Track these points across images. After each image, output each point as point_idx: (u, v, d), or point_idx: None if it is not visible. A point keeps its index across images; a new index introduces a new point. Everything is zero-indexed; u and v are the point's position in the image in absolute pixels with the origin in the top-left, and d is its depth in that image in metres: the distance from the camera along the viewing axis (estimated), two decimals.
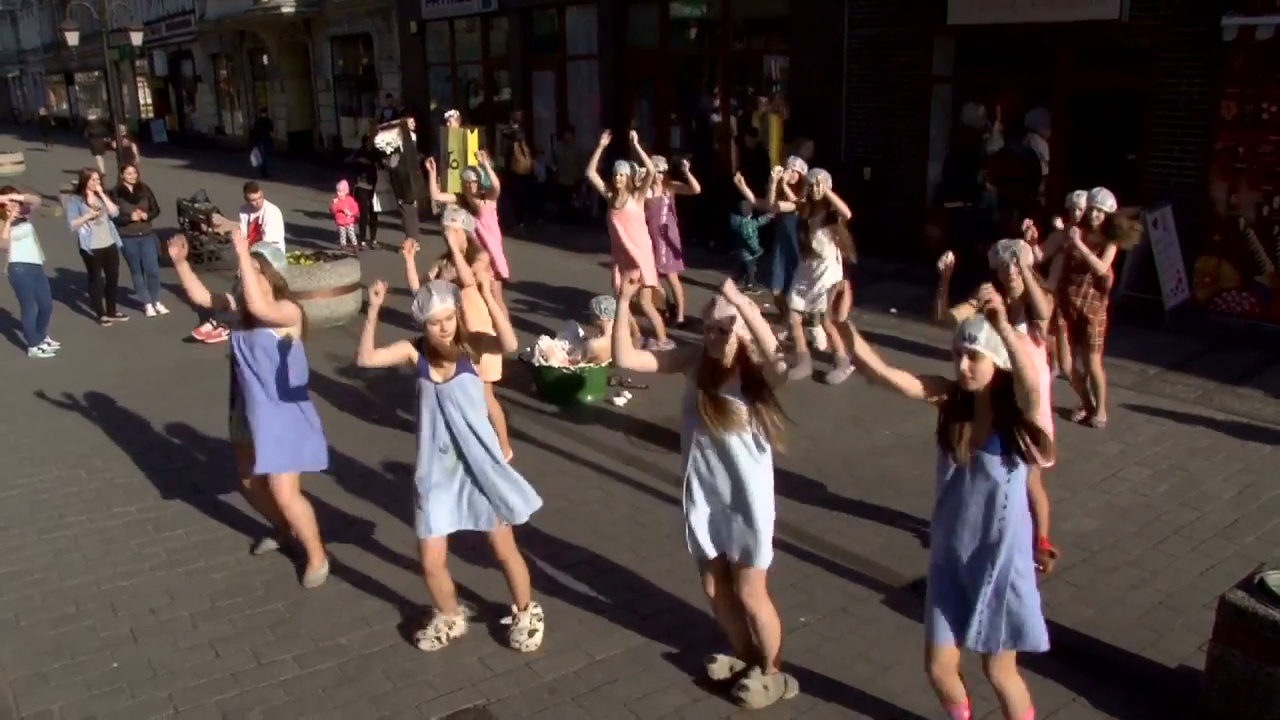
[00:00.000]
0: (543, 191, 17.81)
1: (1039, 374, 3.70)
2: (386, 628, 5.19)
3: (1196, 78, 10.08)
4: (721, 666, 4.62)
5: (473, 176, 9.87)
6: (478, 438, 4.71)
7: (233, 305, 5.58)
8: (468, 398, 4.67)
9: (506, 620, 5.02)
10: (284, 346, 5.43)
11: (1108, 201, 7.60)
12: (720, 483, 4.25)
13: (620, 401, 8.44)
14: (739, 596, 4.38)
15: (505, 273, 10.13)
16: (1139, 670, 4.71)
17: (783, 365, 4.04)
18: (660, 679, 4.71)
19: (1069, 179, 11.17)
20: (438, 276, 7.03)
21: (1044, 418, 3.78)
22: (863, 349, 3.77)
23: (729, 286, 4.00)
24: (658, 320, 9.68)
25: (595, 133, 17.87)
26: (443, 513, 4.79)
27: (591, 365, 8.51)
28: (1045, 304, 5.48)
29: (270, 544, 6.04)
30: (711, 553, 4.38)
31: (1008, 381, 3.62)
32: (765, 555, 4.28)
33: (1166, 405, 8.03)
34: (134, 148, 21.27)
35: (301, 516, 5.60)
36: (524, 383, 8.53)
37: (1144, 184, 10.60)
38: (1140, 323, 10.13)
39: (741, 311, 3.93)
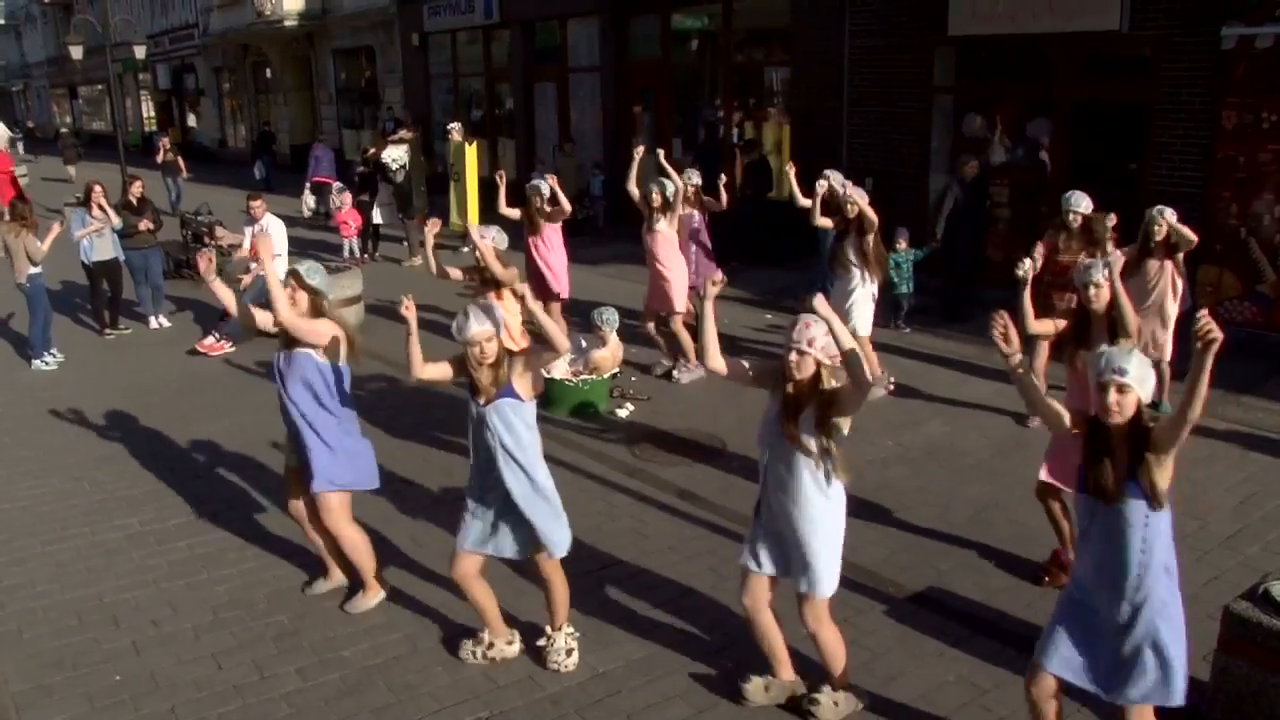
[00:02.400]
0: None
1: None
2: (390, 640, 5.18)
3: (1197, 87, 10.09)
4: (757, 688, 4.56)
5: (536, 190, 9.73)
6: (516, 463, 4.63)
7: (265, 322, 5.39)
8: (505, 423, 4.60)
9: (542, 641, 4.96)
10: (323, 367, 5.24)
11: (1082, 203, 7.71)
12: (790, 509, 4.23)
13: (623, 413, 8.45)
14: (803, 622, 4.36)
15: (564, 292, 9.94)
16: None
17: (871, 389, 4.05)
18: (663, 691, 4.70)
19: (1072, 189, 11.21)
20: (469, 284, 7.09)
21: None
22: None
23: (819, 302, 4.02)
24: (688, 341, 9.37)
25: (596, 145, 18.14)
26: (471, 531, 4.78)
27: (594, 376, 8.51)
28: (1134, 320, 5.44)
29: (323, 584, 5.72)
30: (768, 571, 4.39)
31: (1142, 417, 3.51)
32: (828, 585, 4.27)
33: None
34: (180, 160, 21.08)
35: (357, 543, 5.41)
36: None
37: (1145, 194, 10.60)
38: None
39: (834, 332, 3.96)
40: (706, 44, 16.74)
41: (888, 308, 10.62)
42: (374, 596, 5.51)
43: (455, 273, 7.59)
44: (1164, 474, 3.51)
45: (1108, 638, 3.65)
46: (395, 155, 15.57)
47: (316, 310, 5.27)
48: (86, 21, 28.45)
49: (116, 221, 11.28)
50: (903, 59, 12.78)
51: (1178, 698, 3.59)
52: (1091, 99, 11.43)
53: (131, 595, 5.71)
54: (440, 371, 4.74)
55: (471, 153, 15.40)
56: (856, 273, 8.41)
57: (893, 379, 8.78)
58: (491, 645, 4.98)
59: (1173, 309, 7.82)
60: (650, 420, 8.32)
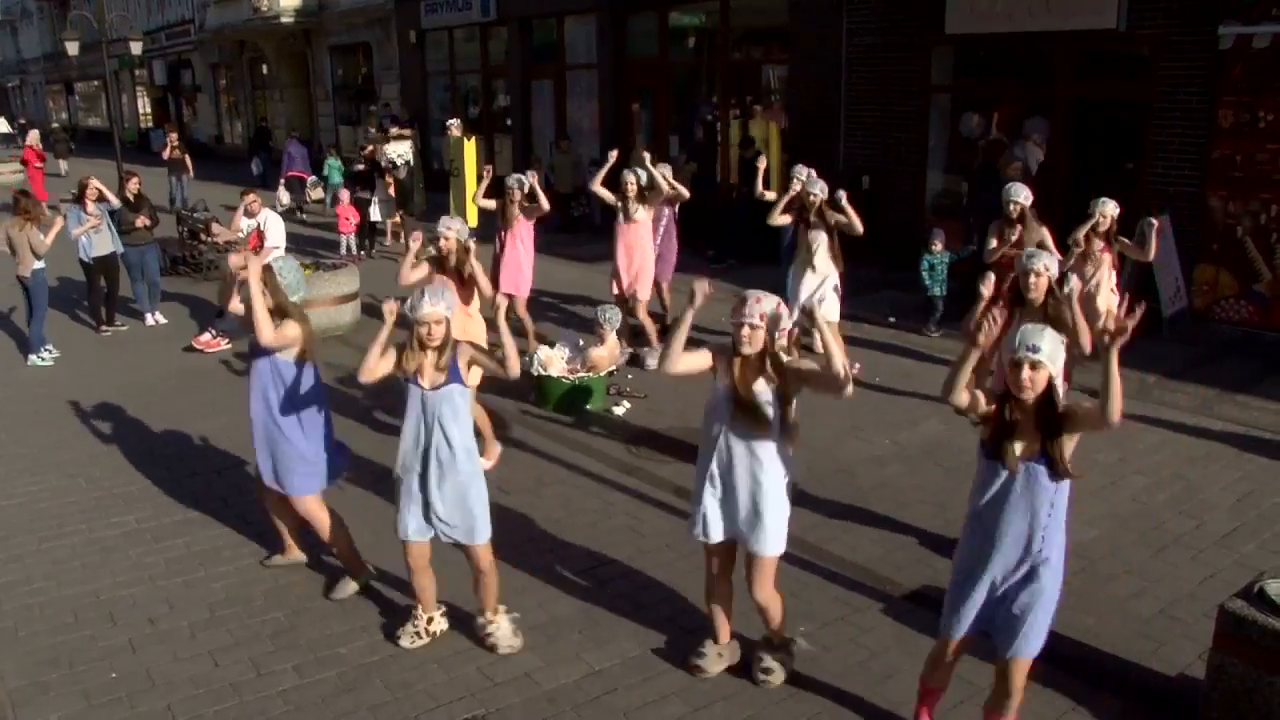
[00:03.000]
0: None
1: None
2: (386, 637, 5.18)
3: (1194, 86, 10.11)
4: (712, 659, 4.75)
5: (514, 184, 9.74)
6: (452, 449, 4.71)
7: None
8: (453, 409, 4.69)
9: (481, 622, 5.01)
10: (297, 367, 5.31)
11: (1021, 194, 7.95)
12: (739, 475, 4.37)
13: (619, 410, 8.45)
14: (750, 585, 4.51)
15: (523, 293, 9.90)
16: (1139, 679, 4.71)
17: (847, 383, 4.18)
18: (659, 689, 4.71)
19: (1068, 188, 11.24)
20: (417, 269, 7.10)
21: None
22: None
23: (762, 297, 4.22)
24: (651, 328, 9.71)
25: (593, 142, 18.11)
26: (412, 519, 4.84)
27: (591, 374, 8.51)
28: (1086, 338, 5.49)
29: (280, 559, 5.96)
30: (717, 537, 4.50)
31: (1051, 393, 3.66)
32: (775, 544, 4.42)
33: (1165, 414, 8.03)
34: (187, 159, 20.87)
35: (330, 527, 5.54)
36: (523, 392, 8.53)
37: (1142, 192, 10.63)
38: (1138, 331, 10.13)
39: (822, 334, 4.12)
40: (704, 42, 16.74)
41: (921, 311, 10.66)
42: (358, 578, 5.61)
43: (419, 273, 7.23)
44: (1070, 447, 3.70)
45: (1004, 591, 3.87)
46: (400, 150, 15.59)
47: (280, 312, 5.28)
48: (83, 17, 28.39)
49: (115, 202, 11.25)
50: (900, 58, 12.79)
51: (1036, 649, 3.88)
52: (1089, 98, 11.44)
53: (128, 592, 5.70)
54: (385, 366, 4.74)
55: (470, 149, 15.40)
56: (822, 264, 8.80)
57: (858, 364, 8.86)
58: (431, 620, 5.08)
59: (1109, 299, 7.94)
60: (646, 418, 8.32)
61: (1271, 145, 9.66)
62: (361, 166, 16.51)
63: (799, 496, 6.56)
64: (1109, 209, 7.90)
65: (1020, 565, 3.82)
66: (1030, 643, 3.85)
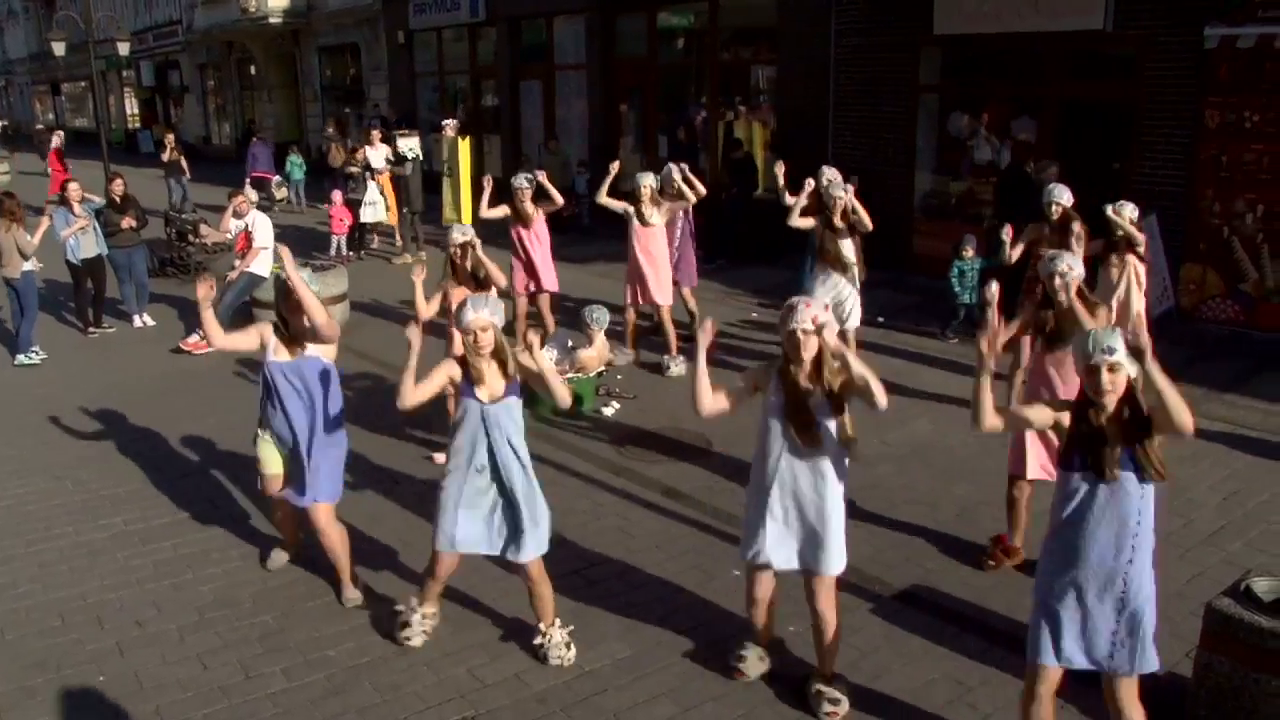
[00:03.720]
0: None
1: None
2: (375, 640, 5.17)
3: (1181, 87, 10.15)
4: (753, 661, 4.72)
5: (524, 183, 9.70)
6: (520, 462, 4.70)
7: (268, 340, 5.34)
8: (513, 421, 4.67)
9: (539, 640, 4.96)
10: (330, 371, 5.32)
11: (1065, 195, 7.86)
12: (805, 496, 4.30)
13: (609, 411, 8.44)
14: (811, 604, 4.45)
15: (554, 286, 9.88)
16: None
17: (880, 396, 4.08)
18: (650, 689, 4.71)
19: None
20: (443, 299, 7.04)
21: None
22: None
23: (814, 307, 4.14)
24: (674, 335, 9.59)
25: (582, 142, 18.11)
26: (471, 531, 4.77)
27: (580, 375, 8.51)
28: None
29: (283, 557, 5.96)
30: (779, 564, 4.43)
31: (1133, 393, 3.59)
32: (839, 561, 4.39)
33: None
34: (183, 161, 20.72)
35: (341, 542, 5.50)
36: None
37: (1129, 192, 10.66)
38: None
39: (846, 355, 4.07)
40: (693, 42, 16.75)
41: (942, 315, 10.47)
42: (356, 589, 5.58)
43: (432, 307, 7.12)
44: (1160, 449, 3.61)
45: (1100, 612, 3.69)
46: (410, 145, 15.56)
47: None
48: (69, 18, 28.28)
49: (98, 200, 11.19)
50: (889, 58, 12.81)
51: (1155, 663, 3.71)
52: (1076, 98, 11.48)
53: (116, 595, 5.68)
54: (432, 386, 4.65)
55: (465, 148, 15.40)
56: (847, 270, 8.54)
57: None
58: (432, 616, 5.12)
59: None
60: (636, 419, 8.32)
61: (1257, 145, 9.71)
62: (354, 169, 16.39)
63: None
64: (1126, 212, 7.78)
65: (1113, 580, 3.65)
66: (1145, 659, 3.69)
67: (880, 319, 10.90)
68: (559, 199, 9.68)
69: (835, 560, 4.37)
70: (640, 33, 17.02)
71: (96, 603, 5.60)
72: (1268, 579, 4.26)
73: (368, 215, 16.01)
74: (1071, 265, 5.43)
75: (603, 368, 8.74)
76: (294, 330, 5.27)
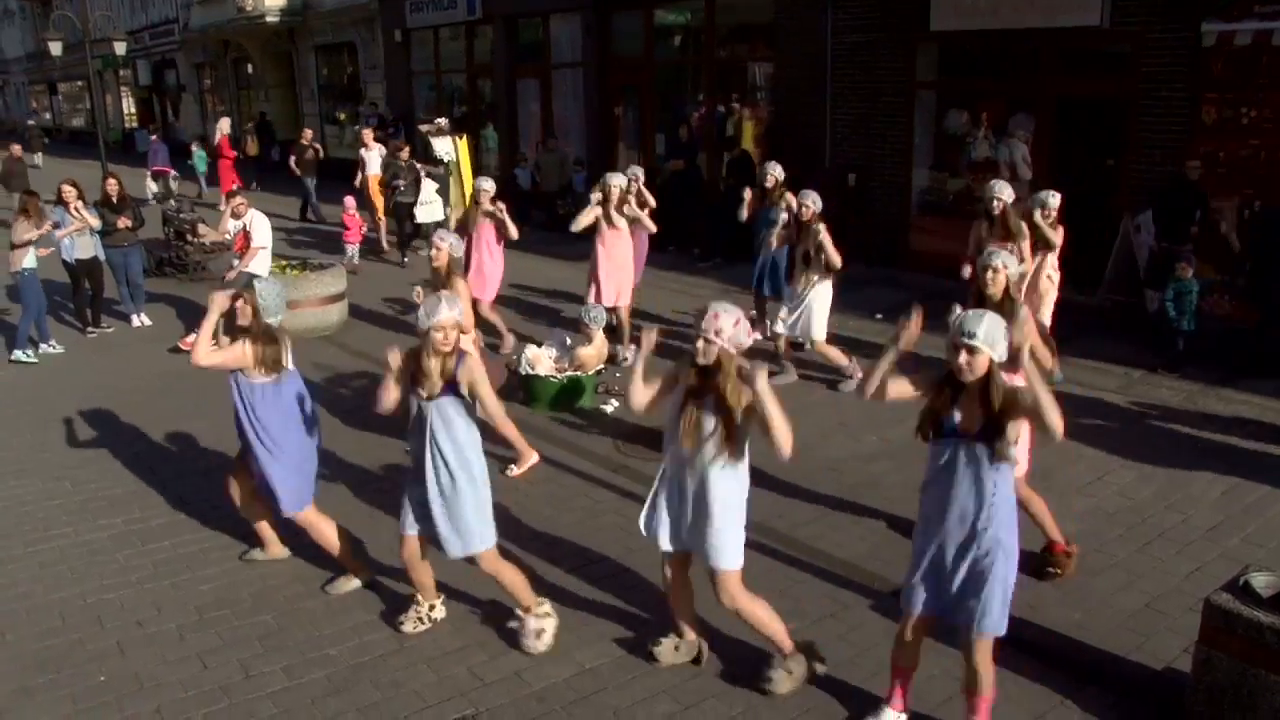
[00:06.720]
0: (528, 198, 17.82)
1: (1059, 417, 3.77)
2: (375, 638, 5.18)
3: (1177, 83, 10.16)
4: (667, 649, 4.84)
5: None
6: (446, 461, 4.79)
7: (248, 360, 5.46)
8: (444, 419, 4.77)
9: (513, 624, 5.04)
10: (270, 387, 5.40)
11: (1005, 192, 8.18)
12: (688, 488, 4.40)
13: (608, 409, 8.45)
14: (719, 602, 4.51)
15: (484, 296, 9.73)
16: (1125, 673, 4.74)
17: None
18: (649, 687, 4.71)
19: (1051, 183, 11.27)
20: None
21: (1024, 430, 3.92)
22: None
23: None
24: (628, 328, 9.72)
25: (579, 141, 18.10)
26: (407, 515, 4.98)
27: (578, 373, 8.51)
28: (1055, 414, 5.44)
29: (259, 553, 6.02)
30: (668, 547, 4.57)
31: (991, 377, 3.82)
32: (730, 557, 4.41)
33: (1151, 408, 8.09)
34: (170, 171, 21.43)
35: (328, 535, 5.60)
36: (511, 391, 8.52)
37: (1126, 188, 10.68)
38: (1123, 326, 10.20)
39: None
40: (689, 40, 16.75)
41: (1160, 345, 9.23)
42: (356, 578, 5.68)
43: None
44: (1013, 431, 3.83)
45: (954, 568, 4.01)
46: (445, 149, 15.41)
47: (244, 332, 5.36)
48: (66, 17, 28.23)
49: (94, 222, 11.17)
50: (885, 55, 12.82)
51: (1001, 627, 3.97)
52: (1073, 94, 11.49)
53: (116, 595, 5.68)
54: (398, 394, 4.87)
55: (464, 146, 15.39)
56: (814, 273, 8.59)
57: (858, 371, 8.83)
58: (432, 607, 5.23)
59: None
60: (635, 416, 8.29)
61: (1253, 141, 9.72)
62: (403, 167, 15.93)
63: (788, 493, 6.60)
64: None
65: (970, 543, 3.94)
66: (986, 620, 3.93)
67: (878, 315, 10.90)
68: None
69: (722, 555, 4.38)
70: (637, 30, 17.01)
71: (96, 602, 5.60)
72: (1266, 574, 4.26)
73: (423, 215, 15.33)
74: (1007, 263, 5.50)
75: (601, 365, 8.74)
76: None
